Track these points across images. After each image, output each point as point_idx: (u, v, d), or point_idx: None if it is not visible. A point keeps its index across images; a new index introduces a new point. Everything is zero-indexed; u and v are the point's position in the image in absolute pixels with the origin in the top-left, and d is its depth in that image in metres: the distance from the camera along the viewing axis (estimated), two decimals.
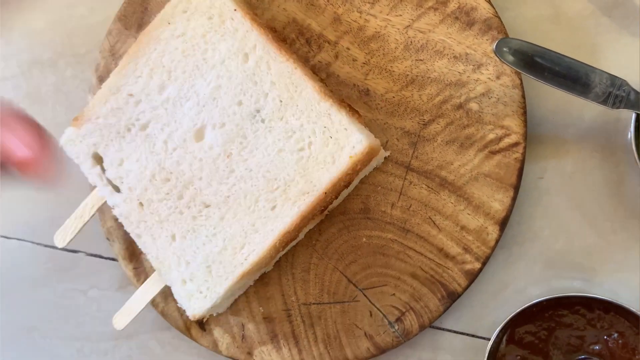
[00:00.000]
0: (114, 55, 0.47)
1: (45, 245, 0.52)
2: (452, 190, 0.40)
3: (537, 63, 0.32)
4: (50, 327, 0.51)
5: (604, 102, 0.33)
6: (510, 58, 0.33)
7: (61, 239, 0.44)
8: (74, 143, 0.43)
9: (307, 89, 0.38)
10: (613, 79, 0.33)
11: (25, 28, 0.52)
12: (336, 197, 0.39)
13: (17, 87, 0.52)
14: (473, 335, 0.41)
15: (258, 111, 0.39)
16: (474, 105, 0.39)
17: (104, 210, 0.46)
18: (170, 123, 0.41)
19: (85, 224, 0.44)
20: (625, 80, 0.34)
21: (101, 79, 0.47)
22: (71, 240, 0.45)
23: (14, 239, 0.52)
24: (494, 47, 0.33)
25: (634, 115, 0.34)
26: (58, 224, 0.50)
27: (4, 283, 0.53)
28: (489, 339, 0.38)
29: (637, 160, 0.34)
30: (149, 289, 0.43)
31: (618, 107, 0.33)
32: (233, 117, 0.39)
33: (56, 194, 0.51)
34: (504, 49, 0.32)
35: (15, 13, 0.52)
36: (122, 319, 0.43)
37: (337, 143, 0.37)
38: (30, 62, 0.52)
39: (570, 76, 0.33)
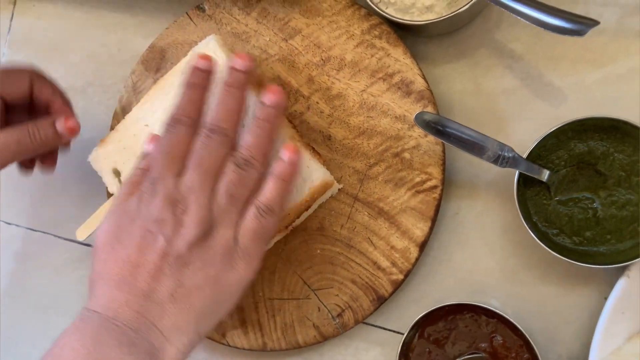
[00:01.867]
0: (135, 91, 0.56)
1: (65, 239, 0.60)
2: (387, 218, 0.49)
3: (444, 131, 0.44)
4: (64, 307, 0.59)
5: (495, 162, 0.45)
6: (425, 126, 0.44)
7: (82, 234, 0.51)
8: (99, 160, 0.51)
9: (282, 134, 0.48)
10: (501, 145, 0.44)
11: (63, 60, 0.61)
12: (298, 217, 0.48)
13: None
14: (397, 332, 0.51)
15: None
16: (407, 155, 0.49)
17: None
18: None
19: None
20: (510, 147, 0.45)
21: (123, 109, 0.56)
22: (89, 235, 0.51)
23: (39, 232, 0.60)
24: (414, 118, 0.44)
25: (517, 173, 0.45)
26: (76, 221, 0.55)
27: (28, 269, 0.60)
28: None
29: (517, 205, 0.45)
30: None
31: (505, 167, 0.45)
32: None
33: (77, 195, 0.59)
34: (421, 120, 0.44)
35: (56, 47, 0.61)
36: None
37: (301, 177, 0.46)
38: (65, 88, 0.56)
39: (470, 141, 0.44)
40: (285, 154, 0.44)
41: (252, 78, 0.45)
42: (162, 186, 0.42)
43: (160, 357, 0.39)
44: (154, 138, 0.45)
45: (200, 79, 0.45)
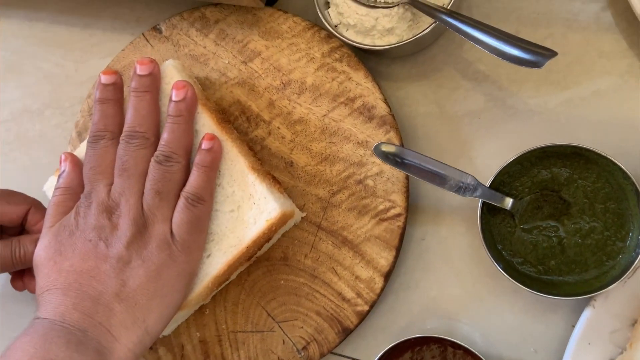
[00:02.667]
0: (91, 115, 0.54)
1: None
2: (351, 247, 0.48)
3: (404, 162, 0.42)
4: None
5: (457, 191, 0.44)
6: (384, 158, 0.43)
7: None
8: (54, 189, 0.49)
9: (239, 163, 0.46)
10: (462, 174, 0.43)
11: (18, 81, 0.59)
12: (259, 249, 0.47)
13: (8, 130, 0.59)
14: None
15: None
16: (370, 182, 0.48)
17: None
18: None
19: None
20: (472, 176, 0.44)
21: (79, 134, 0.55)
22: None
23: None
24: (373, 149, 0.43)
25: (480, 202, 0.44)
26: None
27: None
28: None
29: (480, 234, 0.44)
30: None
31: (468, 196, 0.44)
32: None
33: None
34: (380, 151, 0.43)
35: (11, 67, 0.59)
36: None
37: (259, 208, 0.45)
38: (21, 110, 0.58)
39: (430, 172, 0.43)
40: (203, 142, 0.46)
41: (158, 80, 0.48)
42: (96, 197, 0.45)
43: (109, 356, 0.41)
44: (67, 157, 0.48)
45: (108, 93, 0.48)
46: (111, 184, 0.45)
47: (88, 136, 0.47)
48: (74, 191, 0.47)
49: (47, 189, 0.51)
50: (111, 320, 0.41)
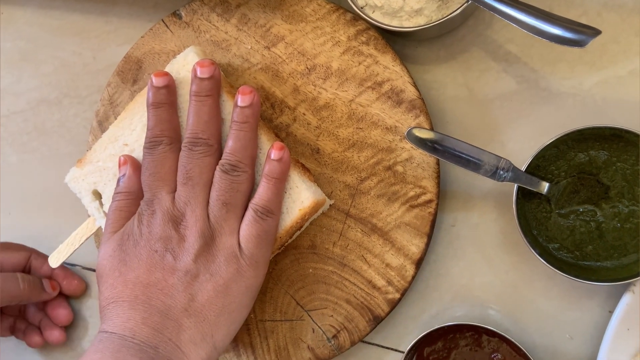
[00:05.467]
0: (112, 104, 0.54)
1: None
2: (381, 234, 0.48)
3: (438, 148, 0.41)
4: None
5: (492, 176, 0.42)
6: (418, 143, 0.42)
7: (55, 260, 0.50)
8: (77, 181, 0.49)
9: (264, 134, 0.45)
10: (498, 159, 0.42)
11: (35, 70, 0.58)
12: (290, 238, 0.46)
13: (26, 120, 0.58)
14: (396, 350, 0.50)
15: None
16: (399, 168, 0.48)
17: (98, 233, 0.52)
18: None
19: (75, 250, 0.49)
20: (508, 160, 0.43)
21: (100, 123, 0.54)
22: (63, 262, 0.50)
23: None
24: (406, 135, 0.42)
25: (515, 186, 0.43)
26: (57, 239, 0.54)
27: None
28: None
29: (516, 220, 0.43)
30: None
31: (503, 181, 0.43)
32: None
33: (56, 213, 0.57)
34: (413, 137, 0.42)
35: (27, 56, 0.59)
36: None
37: (291, 197, 0.44)
38: (38, 100, 0.58)
39: (464, 157, 0.42)
40: (272, 152, 0.44)
41: (219, 83, 0.45)
42: (159, 205, 0.43)
43: None
44: (127, 160, 0.46)
45: (161, 96, 0.45)
46: (173, 191, 0.44)
47: (145, 141, 0.45)
48: (136, 195, 0.45)
49: (69, 181, 0.50)
50: (181, 336, 0.40)
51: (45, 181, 0.58)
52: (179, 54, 0.50)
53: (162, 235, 0.42)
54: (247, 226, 0.42)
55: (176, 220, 0.42)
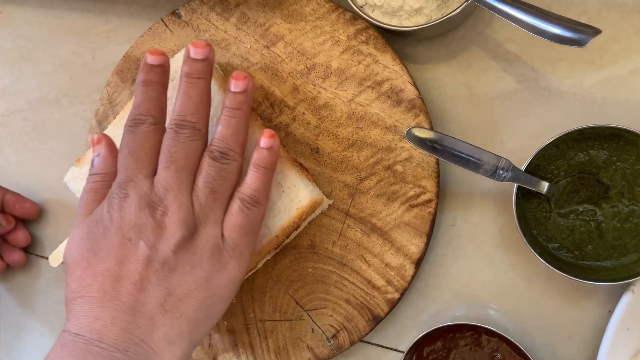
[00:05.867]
0: (111, 104, 0.54)
1: (47, 258, 0.58)
2: (380, 234, 0.47)
3: (437, 147, 0.41)
4: (48, 327, 0.57)
5: (492, 176, 0.42)
6: (417, 143, 0.42)
7: (55, 260, 0.50)
8: (76, 180, 0.49)
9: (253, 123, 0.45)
10: (498, 158, 0.42)
11: (35, 69, 0.58)
12: (287, 237, 0.46)
13: (25, 120, 0.58)
14: (395, 349, 0.49)
15: None
16: (399, 168, 0.47)
17: None
18: None
19: None
20: (507, 160, 0.42)
21: (99, 123, 0.54)
22: (62, 262, 0.48)
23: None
24: (405, 134, 0.42)
25: (515, 186, 0.43)
26: (56, 239, 0.57)
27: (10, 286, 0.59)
28: None
29: (516, 219, 0.43)
30: None
31: (503, 180, 0.43)
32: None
33: (54, 213, 0.57)
34: (412, 136, 0.41)
35: (26, 56, 0.58)
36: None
37: (288, 196, 0.44)
38: (38, 99, 0.58)
39: (464, 156, 0.42)
40: (262, 140, 0.42)
41: (212, 66, 0.43)
42: (135, 189, 0.40)
43: None
44: (101, 138, 0.43)
45: (154, 75, 0.42)
46: (152, 176, 0.40)
47: (127, 120, 0.42)
48: (112, 177, 0.42)
49: (68, 180, 0.50)
50: (154, 335, 0.37)
51: (44, 181, 0.58)
52: (178, 53, 0.50)
53: (137, 222, 0.39)
54: (233, 216, 0.40)
55: (153, 206, 0.39)
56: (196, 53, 0.42)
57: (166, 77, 0.43)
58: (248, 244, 0.41)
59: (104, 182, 0.42)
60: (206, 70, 0.42)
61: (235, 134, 0.42)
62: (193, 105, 0.41)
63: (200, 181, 0.40)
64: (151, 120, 0.41)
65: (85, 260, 0.39)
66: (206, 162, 0.41)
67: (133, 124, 0.41)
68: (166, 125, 0.43)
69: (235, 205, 0.41)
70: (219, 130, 0.42)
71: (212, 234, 0.39)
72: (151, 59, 0.43)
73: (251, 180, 0.41)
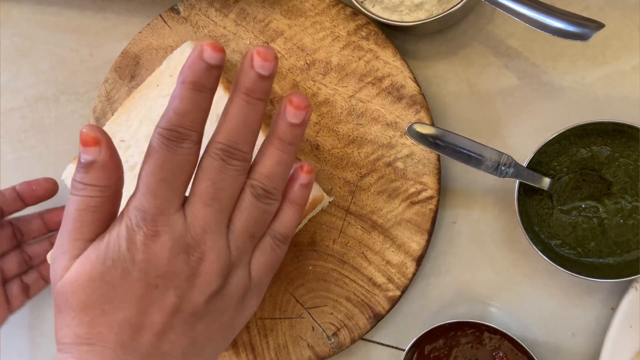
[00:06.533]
0: (109, 100, 0.54)
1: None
2: (381, 231, 0.47)
3: (439, 143, 0.41)
4: (47, 329, 0.57)
5: (494, 172, 0.42)
6: (419, 139, 0.41)
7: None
8: None
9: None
10: (499, 154, 0.42)
11: (32, 67, 0.58)
12: None
13: (24, 117, 0.58)
14: (396, 347, 0.49)
15: None
16: (400, 164, 0.47)
17: None
18: None
19: None
20: (509, 156, 0.42)
21: (97, 120, 0.54)
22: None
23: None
24: (406, 130, 0.41)
25: (517, 182, 0.43)
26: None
27: None
28: None
29: (518, 216, 0.42)
30: None
31: (505, 177, 0.42)
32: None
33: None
34: (414, 132, 0.41)
35: (24, 53, 0.58)
36: None
37: None
38: (36, 97, 0.57)
39: (466, 152, 0.41)
40: (302, 176, 0.37)
41: (271, 87, 0.35)
42: (167, 227, 0.33)
43: None
44: (99, 138, 0.33)
45: (211, 79, 0.33)
46: (182, 206, 0.34)
47: (162, 125, 0.33)
48: (114, 192, 0.34)
49: (65, 178, 0.50)
50: None
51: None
52: (177, 49, 0.49)
53: (168, 269, 0.33)
54: (263, 254, 0.36)
55: (188, 252, 0.33)
56: (264, 67, 0.33)
57: (217, 84, 0.34)
58: (269, 279, 0.37)
59: (104, 198, 0.33)
60: (268, 90, 0.34)
61: (284, 173, 0.36)
62: (247, 131, 0.34)
63: (241, 223, 0.35)
64: (195, 138, 0.34)
65: (99, 307, 0.33)
66: (248, 200, 0.35)
67: (173, 138, 0.33)
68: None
69: (267, 243, 0.37)
70: (266, 164, 0.35)
71: (242, 278, 0.35)
72: (211, 56, 0.33)
73: (286, 218, 0.37)
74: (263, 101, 0.34)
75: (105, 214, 0.34)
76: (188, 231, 0.33)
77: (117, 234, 0.33)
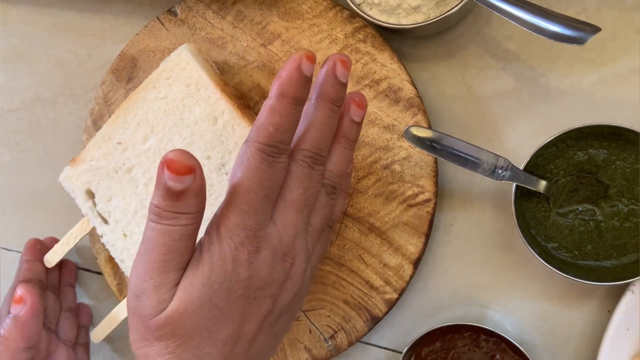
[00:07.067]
0: (106, 102, 0.54)
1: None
2: (378, 234, 0.47)
3: (436, 146, 0.41)
4: None
5: (490, 175, 0.42)
6: (415, 142, 0.41)
7: (50, 260, 0.50)
8: (70, 180, 0.49)
9: None
10: (497, 157, 0.42)
11: (30, 68, 0.58)
12: None
13: (21, 119, 0.58)
14: (393, 350, 0.49)
15: (223, 165, 0.46)
16: (397, 167, 0.47)
17: (93, 233, 0.52)
18: (150, 169, 0.47)
19: (70, 249, 0.50)
20: (506, 159, 0.42)
21: (94, 122, 0.54)
22: (58, 261, 0.51)
23: (14, 251, 0.58)
24: (404, 133, 0.41)
25: (514, 185, 0.43)
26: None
27: (5, 290, 0.57)
28: None
29: (515, 219, 0.42)
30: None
31: (501, 180, 0.42)
32: (202, 168, 0.46)
33: (49, 213, 0.57)
34: (411, 135, 0.41)
35: (22, 54, 0.58)
36: (99, 333, 0.49)
37: None
38: (33, 99, 0.57)
39: (463, 155, 0.41)
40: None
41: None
42: (266, 241, 0.33)
43: None
44: (193, 165, 0.32)
45: (306, 91, 0.34)
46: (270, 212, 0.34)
47: (260, 135, 0.33)
48: (202, 214, 0.34)
49: (63, 180, 0.49)
50: None
51: (39, 180, 0.57)
52: (174, 51, 0.49)
53: (267, 280, 0.33)
54: (321, 243, 0.37)
55: (284, 259, 0.34)
56: (344, 75, 0.35)
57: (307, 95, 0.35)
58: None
59: (197, 225, 0.33)
60: (344, 96, 0.36)
61: (346, 167, 0.38)
62: (329, 137, 0.36)
63: (317, 221, 0.36)
64: (289, 151, 0.34)
65: (206, 330, 0.33)
66: (323, 199, 0.36)
67: (273, 154, 0.33)
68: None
69: (325, 233, 0.38)
70: (334, 161, 0.37)
71: (311, 270, 0.37)
72: (307, 68, 0.33)
73: (339, 209, 0.39)
74: (340, 108, 0.36)
75: (195, 239, 0.33)
76: (282, 240, 0.34)
77: (219, 256, 0.33)
